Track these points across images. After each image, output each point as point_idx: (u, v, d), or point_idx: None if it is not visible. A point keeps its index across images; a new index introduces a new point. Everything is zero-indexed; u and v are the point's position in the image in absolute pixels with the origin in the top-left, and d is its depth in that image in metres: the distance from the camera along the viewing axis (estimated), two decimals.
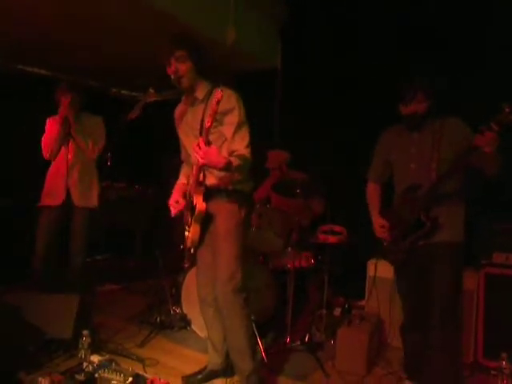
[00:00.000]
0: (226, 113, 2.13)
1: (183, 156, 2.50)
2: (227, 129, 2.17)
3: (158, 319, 3.16)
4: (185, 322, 3.11)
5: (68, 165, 3.11)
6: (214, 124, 2.08)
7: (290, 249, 3.07)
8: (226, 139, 2.19)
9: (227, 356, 2.44)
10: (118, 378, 2.23)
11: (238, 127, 2.17)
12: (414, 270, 2.27)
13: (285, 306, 3.01)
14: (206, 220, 2.21)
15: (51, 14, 3.27)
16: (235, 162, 2.05)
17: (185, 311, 3.11)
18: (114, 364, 2.37)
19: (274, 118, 4.55)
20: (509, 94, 2.84)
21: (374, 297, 2.97)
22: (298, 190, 2.98)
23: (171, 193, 2.48)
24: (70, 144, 3.14)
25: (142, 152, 5.54)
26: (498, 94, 2.97)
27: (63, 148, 3.14)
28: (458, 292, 2.20)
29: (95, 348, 2.52)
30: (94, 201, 3.25)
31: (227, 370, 2.48)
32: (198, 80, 2.26)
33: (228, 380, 2.45)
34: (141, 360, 2.63)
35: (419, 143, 2.24)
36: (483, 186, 2.14)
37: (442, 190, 2.14)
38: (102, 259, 4.76)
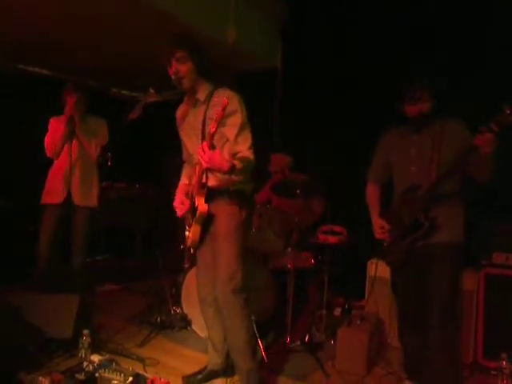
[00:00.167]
0: (228, 115, 2.13)
1: (185, 156, 2.51)
2: (230, 130, 2.17)
3: (159, 319, 3.16)
4: (185, 322, 3.12)
5: (71, 163, 3.12)
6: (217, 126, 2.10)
7: (289, 249, 3.07)
8: (227, 140, 2.19)
9: (227, 356, 2.44)
10: (118, 377, 2.23)
11: (241, 129, 2.17)
12: (413, 270, 2.26)
13: (285, 306, 3.01)
14: (207, 221, 2.21)
15: (51, 13, 3.27)
16: (238, 164, 2.06)
17: (185, 311, 3.11)
18: (114, 364, 2.37)
19: (274, 117, 4.55)
20: (509, 93, 2.86)
21: (374, 297, 2.98)
22: (298, 191, 2.98)
23: (171, 193, 2.49)
24: (74, 143, 3.16)
25: (143, 152, 5.55)
26: (497, 94, 2.99)
27: (66, 147, 3.16)
28: (456, 292, 2.20)
29: (95, 348, 2.52)
30: (94, 200, 3.26)
31: (227, 369, 2.48)
32: (199, 81, 2.26)
33: (228, 380, 2.45)
34: (141, 360, 2.63)
35: (419, 145, 2.24)
36: (481, 188, 2.13)
37: (441, 191, 2.14)
38: (102, 259, 4.76)
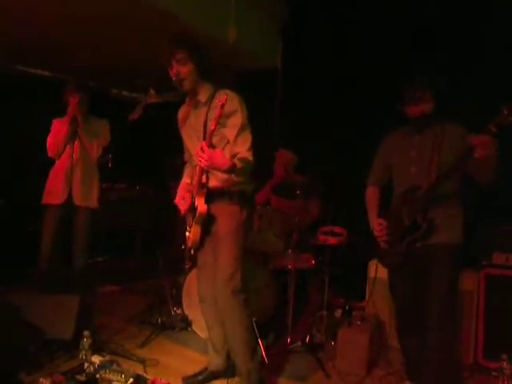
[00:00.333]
0: (228, 115, 2.14)
1: (187, 157, 2.51)
2: (230, 131, 2.17)
3: (159, 320, 3.16)
4: (185, 323, 3.12)
5: (72, 164, 3.13)
6: (218, 126, 2.10)
7: (290, 250, 3.07)
8: (228, 141, 2.19)
9: (228, 357, 2.45)
10: (118, 378, 2.24)
11: (241, 130, 2.17)
12: (411, 272, 2.26)
13: (285, 306, 3.01)
14: (208, 221, 2.22)
15: (51, 14, 3.27)
16: (238, 164, 2.07)
17: (185, 312, 3.11)
18: (114, 365, 2.38)
19: (274, 117, 4.55)
20: (509, 94, 2.86)
21: (374, 298, 2.97)
22: (298, 192, 2.98)
23: (172, 194, 2.49)
24: (76, 144, 3.16)
25: (143, 153, 5.55)
26: (497, 94, 2.99)
27: (68, 147, 3.16)
28: (455, 293, 2.19)
29: (96, 349, 2.53)
30: (94, 201, 3.26)
31: (228, 370, 2.49)
32: (200, 82, 2.26)
33: (229, 381, 2.45)
34: (141, 361, 2.63)
35: (420, 146, 2.24)
36: (480, 190, 2.13)
37: (440, 192, 2.14)
38: (102, 260, 4.76)
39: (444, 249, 2.16)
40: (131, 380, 2.24)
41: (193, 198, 2.27)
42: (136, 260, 4.98)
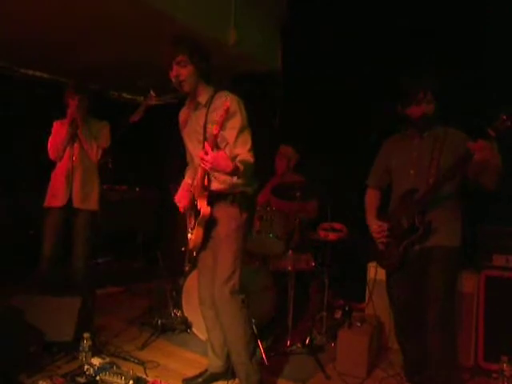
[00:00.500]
0: (228, 117, 2.13)
1: (188, 159, 2.52)
2: (229, 133, 2.17)
3: (159, 322, 3.16)
4: (185, 325, 3.12)
5: (72, 167, 3.13)
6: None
7: (290, 251, 3.07)
8: (227, 143, 2.20)
9: (228, 359, 2.45)
10: (118, 380, 2.24)
11: (240, 131, 2.17)
12: (409, 274, 2.26)
13: (285, 308, 3.01)
14: (209, 223, 2.22)
15: (50, 15, 3.27)
16: (241, 167, 2.07)
17: (185, 314, 3.11)
18: (114, 367, 2.38)
19: (274, 118, 4.56)
20: (509, 94, 2.87)
21: (374, 299, 2.97)
22: (297, 194, 2.99)
23: (172, 196, 2.50)
24: (76, 146, 3.17)
25: (144, 155, 5.55)
26: (498, 94, 3.00)
27: (68, 149, 3.16)
28: (452, 295, 2.19)
29: (96, 351, 2.53)
30: (94, 204, 3.26)
31: (228, 372, 2.48)
32: (200, 84, 2.26)
33: (229, 383, 2.45)
34: (141, 363, 2.63)
35: (420, 148, 2.24)
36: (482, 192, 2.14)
37: (439, 195, 2.15)
38: (103, 262, 4.76)
39: (442, 251, 2.16)
40: (131, 382, 2.24)
41: (194, 199, 2.27)
42: (136, 262, 4.98)
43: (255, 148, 2.22)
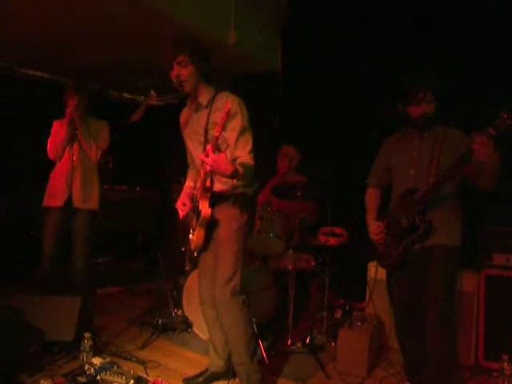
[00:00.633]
0: (229, 119, 2.13)
1: (189, 160, 2.51)
2: (230, 135, 2.17)
3: (160, 321, 3.16)
4: (186, 325, 3.12)
5: (72, 166, 3.14)
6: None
7: (290, 251, 3.07)
8: (229, 145, 2.20)
9: (229, 358, 2.45)
10: (119, 380, 2.24)
11: (241, 133, 2.17)
12: (409, 273, 2.27)
13: (286, 307, 3.01)
14: (210, 224, 2.22)
15: (51, 13, 3.27)
16: (240, 169, 2.06)
17: (186, 313, 3.12)
18: (115, 366, 2.38)
19: (274, 118, 4.56)
20: (509, 94, 2.87)
21: (374, 299, 2.97)
22: (298, 193, 2.99)
23: (172, 195, 2.49)
24: (75, 146, 3.17)
25: (144, 155, 5.56)
26: (498, 94, 3.00)
27: (68, 149, 3.17)
28: (452, 294, 2.20)
29: (97, 350, 2.53)
30: (94, 203, 3.26)
31: (228, 372, 2.48)
32: (201, 85, 2.25)
33: (229, 382, 2.45)
34: (142, 362, 2.64)
35: (420, 148, 2.24)
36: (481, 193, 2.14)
37: (439, 194, 2.15)
38: (103, 262, 4.77)
39: (442, 250, 2.17)
40: (132, 381, 2.24)
41: (196, 201, 2.27)
42: (136, 262, 4.98)
43: (255, 148, 2.22)
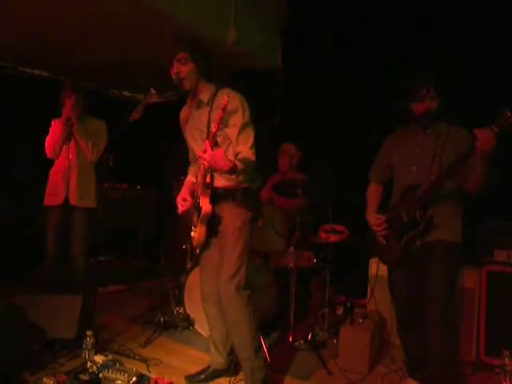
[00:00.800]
0: (230, 114, 2.13)
1: (191, 157, 2.51)
2: (231, 130, 2.17)
3: (161, 319, 3.16)
4: (188, 322, 3.12)
5: (68, 165, 3.15)
6: (221, 126, 2.11)
7: (292, 248, 3.08)
8: (231, 141, 2.19)
9: (229, 356, 2.47)
10: (121, 377, 2.24)
11: (242, 128, 2.16)
12: (410, 269, 2.27)
13: (287, 305, 3.02)
14: (213, 220, 2.22)
15: (51, 13, 3.27)
16: (240, 165, 2.05)
17: (188, 311, 3.12)
18: (117, 364, 2.38)
19: (274, 117, 4.56)
20: (509, 94, 2.88)
21: (376, 295, 2.98)
22: (299, 191, 2.99)
23: (173, 193, 2.49)
24: (72, 144, 3.18)
25: (144, 153, 5.56)
26: (498, 94, 3.01)
27: (65, 148, 3.18)
28: (454, 290, 2.20)
29: (99, 348, 2.53)
30: (91, 201, 3.27)
31: (230, 369, 2.50)
32: (201, 82, 2.25)
33: (231, 379, 2.46)
34: (144, 360, 2.64)
35: (423, 145, 2.25)
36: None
37: (440, 191, 2.16)
38: (104, 260, 4.77)
39: (443, 246, 2.17)
40: (134, 379, 2.24)
41: (197, 197, 2.27)
42: (137, 260, 4.99)
43: (255, 146, 2.22)
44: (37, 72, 4.78)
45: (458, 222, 2.23)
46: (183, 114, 2.43)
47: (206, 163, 2.03)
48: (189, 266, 3.37)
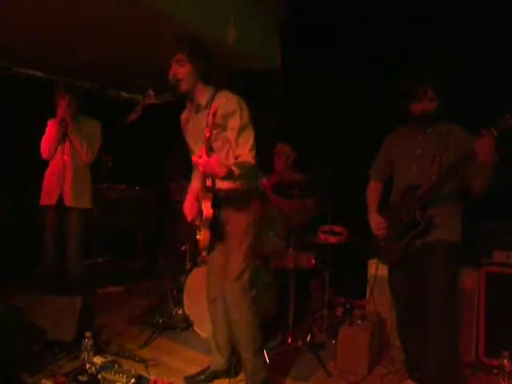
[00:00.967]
0: (228, 117, 2.13)
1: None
2: (230, 133, 2.16)
3: (160, 320, 3.16)
4: (187, 323, 3.12)
5: (63, 165, 3.16)
6: (219, 130, 2.11)
7: (291, 249, 3.08)
8: (231, 144, 2.18)
9: (230, 357, 2.47)
10: (120, 378, 2.24)
11: (241, 131, 2.14)
12: (410, 268, 2.28)
13: (286, 306, 3.02)
14: (217, 223, 2.20)
15: (50, 13, 3.27)
16: (236, 171, 2.02)
17: (186, 312, 3.12)
18: (116, 365, 2.39)
19: (274, 117, 4.56)
20: (509, 94, 2.87)
21: (375, 296, 2.98)
22: (296, 192, 2.99)
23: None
24: (67, 145, 3.19)
25: (143, 154, 5.55)
26: (498, 94, 3.00)
27: (59, 149, 3.19)
28: (454, 290, 2.21)
29: (98, 349, 2.53)
30: (86, 202, 3.27)
31: (230, 370, 2.50)
32: (199, 84, 2.23)
33: (231, 380, 2.46)
34: (143, 361, 2.64)
35: (423, 145, 2.25)
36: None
37: (441, 191, 2.16)
38: (103, 261, 4.77)
39: (442, 246, 2.18)
40: (133, 380, 2.24)
41: (200, 201, 2.27)
42: (136, 261, 4.99)
43: (257, 147, 2.20)
44: (33, 73, 4.77)
45: (458, 222, 2.24)
46: (183, 119, 2.42)
47: (201, 169, 2.02)
48: (188, 266, 3.37)
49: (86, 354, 2.40)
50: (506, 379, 2.10)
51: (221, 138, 2.17)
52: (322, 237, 3.28)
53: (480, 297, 2.77)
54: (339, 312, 3.26)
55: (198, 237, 2.27)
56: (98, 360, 2.38)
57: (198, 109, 2.29)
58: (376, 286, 2.83)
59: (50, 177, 3.22)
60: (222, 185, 2.20)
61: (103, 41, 3.83)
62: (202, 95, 2.25)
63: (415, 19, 3.48)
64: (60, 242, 3.21)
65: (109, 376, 2.26)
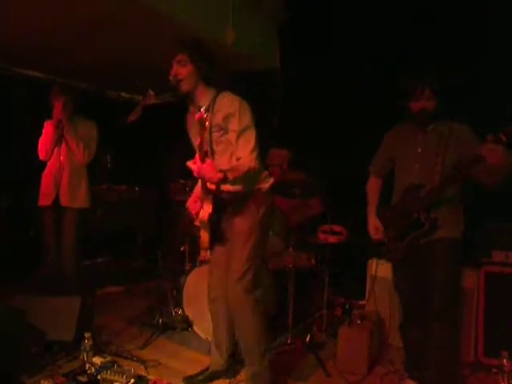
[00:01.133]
0: (228, 119, 2.12)
1: None
2: (231, 135, 2.15)
3: (160, 321, 3.16)
4: (186, 324, 3.12)
5: (59, 166, 3.17)
6: (222, 132, 2.12)
7: (290, 249, 3.07)
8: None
9: (229, 357, 2.46)
10: (120, 379, 2.25)
11: (240, 133, 2.13)
12: (413, 266, 2.28)
13: (286, 306, 3.01)
14: (218, 225, 2.20)
15: (50, 14, 3.27)
16: (231, 175, 2.02)
17: (186, 313, 3.12)
18: (116, 366, 2.38)
19: (273, 118, 4.55)
20: (509, 94, 2.87)
21: (374, 296, 2.98)
22: (297, 191, 2.99)
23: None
24: (63, 146, 3.21)
25: (143, 154, 5.55)
26: (498, 94, 3.00)
27: (56, 149, 3.21)
28: (457, 285, 2.23)
29: (97, 350, 2.53)
30: (82, 201, 3.28)
31: (229, 371, 2.49)
32: (200, 85, 2.21)
33: (230, 381, 2.46)
34: (142, 361, 2.64)
35: (425, 143, 2.25)
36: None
37: (444, 194, 2.17)
38: (102, 261, 4.77)
39: (445, 244, 2.19)
40: (132, 381, 2.25)
41: (201, 203, 2.26)
42: (136, 261, 4.99)
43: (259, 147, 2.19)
44: (32, 73, 4.77)
45: (460, 218, 2.26)
46: (187, 121, 2.41)
47: (195, 174, 2.03)
48: (187, 267, 3.37)
49: (86, 355, 2.40)
50: (506, 379, 2.10)
51: (223, 140, 2.17)
52: (321, 236, 3.27)
53: (479, 296, 2.77)
54: (338, 312, 3.26)
55: (199, 237, 2.27)
56: (97, 360, 2.38)
57: (199, 110, 2.28)
58: (376, 286, 2.83)
59: (47, 177, 3.25)
60: (224, 187, 2.19)
61: (103, 41, 3.82)
62: (203, 97, 2.23)
63: (415, 19, 3.48)
64: (59, 242, 3.22)
65: (108, 376, 2.27)
